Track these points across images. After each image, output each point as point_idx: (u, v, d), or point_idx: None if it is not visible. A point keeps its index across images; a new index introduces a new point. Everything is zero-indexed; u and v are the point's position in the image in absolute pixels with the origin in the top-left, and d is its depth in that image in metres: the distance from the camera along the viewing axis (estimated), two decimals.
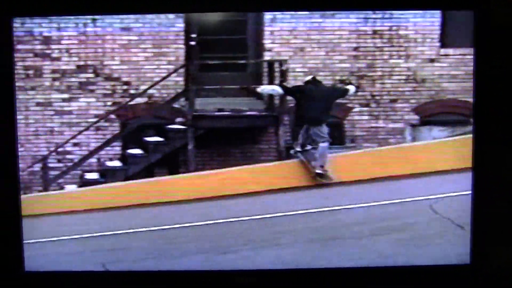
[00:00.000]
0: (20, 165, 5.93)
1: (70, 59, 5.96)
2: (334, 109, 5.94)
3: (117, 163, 6.08)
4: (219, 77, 6.11)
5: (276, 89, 5.91)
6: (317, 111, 5.69)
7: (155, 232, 5.03)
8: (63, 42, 5.94)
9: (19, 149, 5.92)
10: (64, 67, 5.96)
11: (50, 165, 6.01)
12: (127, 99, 6.05)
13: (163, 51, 6.05)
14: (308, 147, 5.73)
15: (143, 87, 6.04)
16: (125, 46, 5.99)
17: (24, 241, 4.09)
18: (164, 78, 6.02)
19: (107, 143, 6.07)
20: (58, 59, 5.95)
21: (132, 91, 6.06)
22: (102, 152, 6.09)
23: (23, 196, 4.14)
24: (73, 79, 5.98)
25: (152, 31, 6.01)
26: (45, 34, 5.90)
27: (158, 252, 4.67)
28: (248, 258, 4.71)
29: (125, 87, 6.05)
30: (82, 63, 5.97)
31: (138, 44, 6.01)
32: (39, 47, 5.92)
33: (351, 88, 5.92)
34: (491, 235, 4.00)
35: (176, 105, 6.11)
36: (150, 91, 6.05)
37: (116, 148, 6.13)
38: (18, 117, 5.90)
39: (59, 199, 5.76)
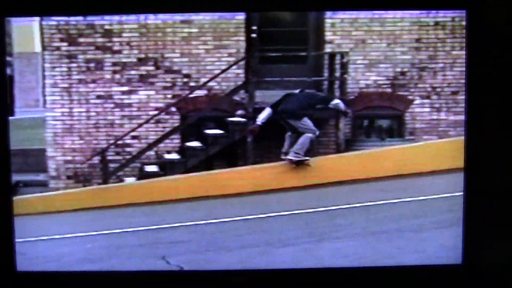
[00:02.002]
0: (79, 158, 6.06)
1: (131, 51, 5.97)
2: (394, 102, 5.92)
3: (175, 156, 6.09)
4: (279, 70, 6.09)
5: (269, 110, 5.90)
6: (295, 105, 5.83)
7: (213, 226, 5.04)
8: (124, 35, 5.95)
9: (79, 142, 6.04)
10: (124, 60, 5.97)
11: (110, 157, 6.04)
12: (187, 92, 6.04)
13: (224, 43, 6.04)
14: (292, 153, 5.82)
15: (203, 80, 6.03)
16: (186, 38, 5.99)
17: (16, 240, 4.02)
18: (224, 71, 6.01)
19: (167, 135, 6.07)
20: (119, 51, 5.96)
21: (192, 84, 6.05)
22: (160, 145, 6.10)
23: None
24: (133, 72, 5.99)
25: (213, 23, 6.00)
26: (107, 27, 5.92)
27: (214, 245, 4.67)
28: (309, 251, 4.70)
29: (185, 79, 6.05)
30: (142, 55, 5.98)
31: (198, 37, 6.00)
32: (100, 40, 5.94)
33: (337, 101, 5.96)
34: (483, 235, 3.98)
35: (236, 98, 6.10)
36: (210, 83, 6.04)
37: (175, 141, 6.13)
38: (79, 109, 6.03)
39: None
